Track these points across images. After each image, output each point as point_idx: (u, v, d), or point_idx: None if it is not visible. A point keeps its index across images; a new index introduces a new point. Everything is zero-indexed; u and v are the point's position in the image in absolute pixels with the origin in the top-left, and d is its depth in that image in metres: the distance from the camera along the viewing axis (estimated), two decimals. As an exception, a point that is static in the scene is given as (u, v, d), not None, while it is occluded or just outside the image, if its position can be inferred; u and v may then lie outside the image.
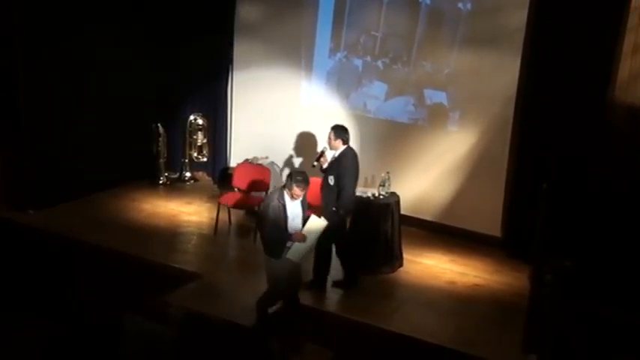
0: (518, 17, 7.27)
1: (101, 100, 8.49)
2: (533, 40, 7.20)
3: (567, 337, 5.22)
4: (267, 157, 8.61)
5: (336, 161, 6.39)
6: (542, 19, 7.07)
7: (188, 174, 9.53)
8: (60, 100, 8.05)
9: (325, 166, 6.52)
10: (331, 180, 6.34)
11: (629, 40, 6.62)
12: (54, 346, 6.07)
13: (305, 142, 8.73)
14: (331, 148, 6.44)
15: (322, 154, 6.57)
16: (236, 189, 8.20)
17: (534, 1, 7.15)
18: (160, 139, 9.27)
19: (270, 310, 6.06)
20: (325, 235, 6.02)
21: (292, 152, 8.66)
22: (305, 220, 5.80)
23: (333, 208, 6.38)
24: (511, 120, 7.51)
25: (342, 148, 6.40)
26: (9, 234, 7.67)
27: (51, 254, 7.36)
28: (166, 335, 5.39)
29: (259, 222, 6.20)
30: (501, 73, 7.47)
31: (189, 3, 8.99)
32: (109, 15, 8.39)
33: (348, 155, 6.41)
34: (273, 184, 8.15)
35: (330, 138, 6.41)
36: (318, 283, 6.66)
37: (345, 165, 6.37)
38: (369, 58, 8.27)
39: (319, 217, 5.87)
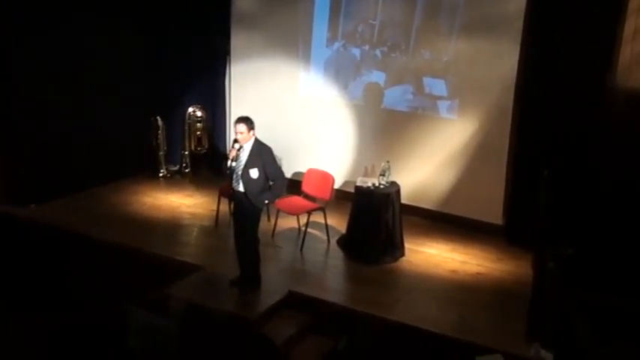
0: (516, 3, 7.22)
1: (100, 93, 8.46)
2: (532, 26, 7.15)
3: (570, 324, 5.21)
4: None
5: (254, 152, 6.07)
6: (541, 4, 7.02)
7: (188, 166, 9.51)
8: (58, 94, 8.02)
9: (234, 163, 6.15)
10: (254, 173, 6.03)
11: (629, 25, 6.58)
12: (57, 338, 6.08)
13: (304, 132, 8.70)
14: (244, 142, 6.05)
15: (238, 151, 6.14)
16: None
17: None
18: (159, 131, 9.25)
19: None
20: (250, 227, 6.19)
21: (291, 143, 8.60)
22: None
23: (266, 201, 6.31)
24: (511, 107, 7.47)
25: (252, 138, 6.12)
26: (12, 228, 7.67)
27: (53, 248, 7.37)
28: (168, 327, 5.39)
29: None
30: (501, 60, 7.42)
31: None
32: (106, 7, 8.34)
33: (262, 143, 6.16)
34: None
35: (242, 132, 5.99)
36: (254, 279, 6.42)
37: (268, 153, 6.15)
38: (367, 47, 8.22)
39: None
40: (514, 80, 7.38)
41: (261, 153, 6.10)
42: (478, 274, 6.92)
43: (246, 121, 6.05)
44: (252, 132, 6.07)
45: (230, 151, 6.20)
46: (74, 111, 8.22)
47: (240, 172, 6.10)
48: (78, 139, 8.28)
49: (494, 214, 7.74)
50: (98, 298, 6.58)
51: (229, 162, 6.16)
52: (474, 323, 5.94)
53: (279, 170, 6.32)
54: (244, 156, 6.08)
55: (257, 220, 6.29)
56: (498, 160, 7.62)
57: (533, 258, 6.64)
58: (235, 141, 6.12)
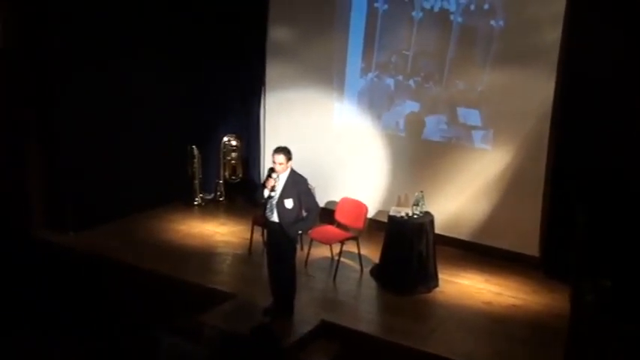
0: (552, 33, 7.20)
1: (137, 123, 8.65)
2: (567, 56, 7.12)
3: (609, 358, 5.08)
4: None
5: (290, 183, 6.08)
6: (577, 34, 6.99)
7: (222, 195, 9.61)
8: (97, 123, 8.21)
9: (271, 192, 6.11)
10: (289, 203, 6.05)
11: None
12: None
13: (338, 162, 8.74)
14: (281, 172, 6.07)
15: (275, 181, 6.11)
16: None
17: (568, 16, 7.08)
18: (195, 160, 9.39)
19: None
20: (287, 256, 6.18)
21: (324, 172, 8.62)
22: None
23: (299, 232, 6.32)
24: (547, 137, 7.40)
25: (289, 169, 6.12)
26: (51, 255, 7.81)
27: (90, 275, 7.47)
28: (201, 355, 5.41)
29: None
30: (535, 89, 7.39)
31: (222, 27, 9.12)
32: (145, 39, 8.55)
33: (298, 174, 6.17)
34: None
35: (280, 162, 6.01)
36: (287, 308, 6.41)
37: (303, 184, 6.16)
38: (400, 78, 8.27)
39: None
40: (550, 110, 7.33)
41: (297, 183, 6.13)
42: (513, 306, 6.80)
43: (285, 151, 6.09)
44: (289, 162, 6.11)
45: (267, 180, 6.16)
46: (113, 140, 8.41)
47: (275, 202, 6.13)
48: (116, 167, 8.46)
49: (530, 246, 7.63)
50: (131, 324, 6.64)
51: (267, 191, 6.14)
52: (510, 357, 5.83)
53: (313, 201, 6.33)
54: (280, 186, 6.11)
55: (294, 251, 6.31)
56: (534, 191, 7.53)
57: (570, 290, 6.51)
58: (272, 170, 6.15)
